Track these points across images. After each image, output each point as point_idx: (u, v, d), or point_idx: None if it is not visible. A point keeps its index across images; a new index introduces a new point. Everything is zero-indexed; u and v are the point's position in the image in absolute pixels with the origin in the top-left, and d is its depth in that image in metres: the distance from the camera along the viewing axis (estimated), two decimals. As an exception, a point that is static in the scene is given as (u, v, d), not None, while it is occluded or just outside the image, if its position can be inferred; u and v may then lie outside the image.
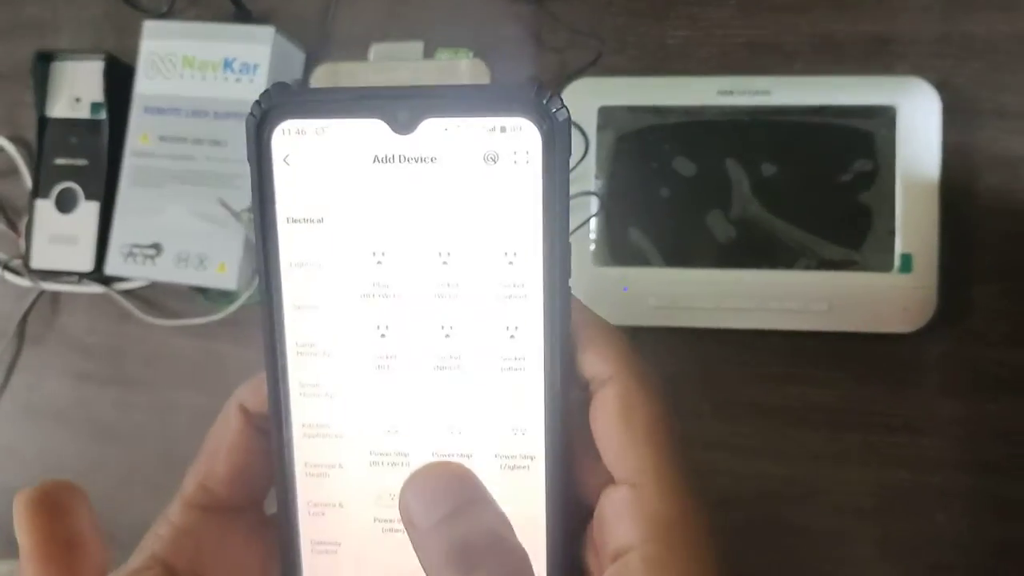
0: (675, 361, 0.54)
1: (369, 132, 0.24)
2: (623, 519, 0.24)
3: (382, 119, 0.24)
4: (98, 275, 0.58)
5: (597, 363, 0.25)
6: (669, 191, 0.53)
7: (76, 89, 0.59)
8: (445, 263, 0.25)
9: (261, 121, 0.24)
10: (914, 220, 0.51)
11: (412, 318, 0.25)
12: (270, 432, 0.27)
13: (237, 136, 0.55)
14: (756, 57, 0.55)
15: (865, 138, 0.51)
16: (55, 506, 0.22)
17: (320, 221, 0.25)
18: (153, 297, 0.61)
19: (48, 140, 0.59)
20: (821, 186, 0.52)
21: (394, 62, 0.54)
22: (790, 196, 0.52)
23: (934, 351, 0.52)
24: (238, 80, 0.55)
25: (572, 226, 0.51)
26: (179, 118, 0.56)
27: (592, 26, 0.56)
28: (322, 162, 0.25)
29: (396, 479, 0.23)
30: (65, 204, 0.58)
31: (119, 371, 0.61)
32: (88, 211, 0.58)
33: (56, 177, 0.59)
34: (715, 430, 0.54)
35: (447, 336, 0.25)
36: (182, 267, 0.55)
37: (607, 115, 0.53)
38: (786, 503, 0.53)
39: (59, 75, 0.59)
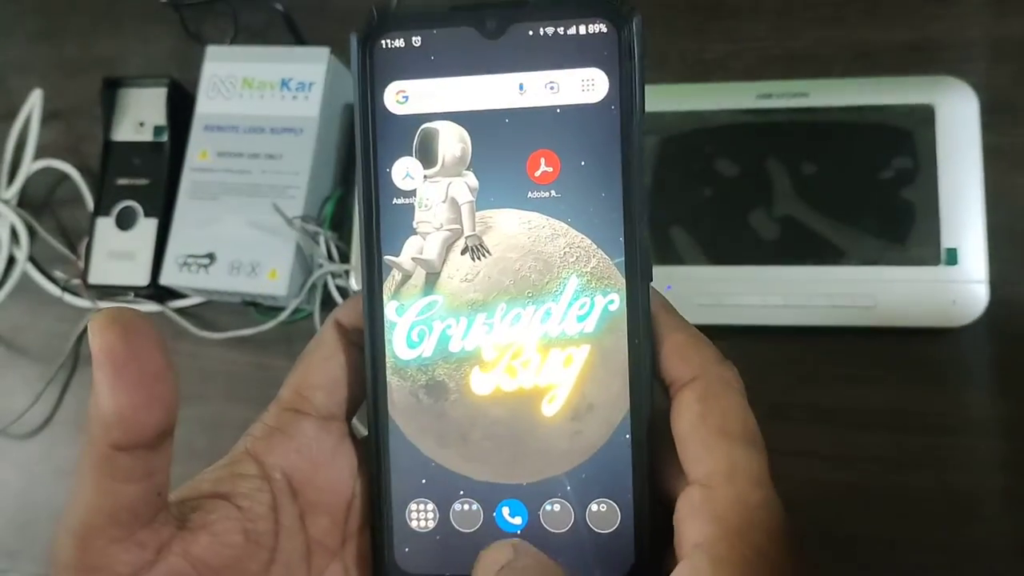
0: (723, 361, 0.53)
1: (462, 39, 0.27)
2: (694, 518, 0.25)
3: (473, 27, 0.27)
4: (153, 289, 0.59)
5: (679, 366, 0.26)
6: (711, 191, 0.54)
7: (140, 114, 0.62)
8: (536, 168, 0.27)
9: (366, 36, 0.27)
10: (958, 215, 0.51)
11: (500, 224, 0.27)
12: (364, 339, 0.28)
13: (292, 150, 0.57)
14: (793, 68, 0.56)
15: (904, 136, 0.52)
16: (135, 327, 0.22)
17: (417, 120, 0.27)
18: (207, 315, 0.62)
19: (112, 162, 0.62)
20: (862, 183, 0.52)
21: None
22: (832, 193, 0.52)
23: (987, 348, 0.52)
24: (294, 98, 0.57)
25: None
26: (237, 134, 0.58)
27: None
28: (419, 70, 0.27)
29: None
30: (125, 221, 0.60)
31: (170, 388, 0.62)
32: (146, 228, 0.60)
33: (117, 196, 0.61)
34: (770, 433, 0.53)
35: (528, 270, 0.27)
36: (234, 275, 0.56)
37: (650, 121, 0.54)
38: (846, 509, 0.52)
39: (125, 100, 0.62)
